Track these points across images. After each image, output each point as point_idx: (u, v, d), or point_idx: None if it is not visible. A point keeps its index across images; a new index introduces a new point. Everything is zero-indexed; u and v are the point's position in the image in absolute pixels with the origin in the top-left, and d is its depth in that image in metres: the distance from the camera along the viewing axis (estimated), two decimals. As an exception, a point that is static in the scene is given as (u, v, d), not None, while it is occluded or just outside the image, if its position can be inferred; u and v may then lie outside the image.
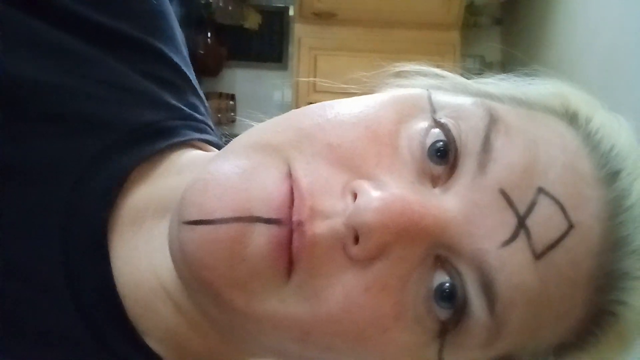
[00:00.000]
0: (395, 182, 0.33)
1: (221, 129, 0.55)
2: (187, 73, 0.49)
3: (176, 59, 0.48)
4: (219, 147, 0.48)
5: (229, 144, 0.37)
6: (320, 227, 0.31)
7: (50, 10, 0.41)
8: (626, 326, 0.35)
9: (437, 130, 0.34)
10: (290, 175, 0.33)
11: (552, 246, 0.32)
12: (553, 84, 0.40)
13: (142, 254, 0.39)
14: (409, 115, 0.36)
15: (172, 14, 0.50)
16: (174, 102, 0.46)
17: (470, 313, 0.32)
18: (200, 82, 0.52)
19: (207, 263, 0.32)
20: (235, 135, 0.38)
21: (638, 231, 0.34)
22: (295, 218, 0.32)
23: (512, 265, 0.32)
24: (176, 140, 0.44)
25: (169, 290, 0.39)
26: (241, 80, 3.20)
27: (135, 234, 0.40)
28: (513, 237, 0.32)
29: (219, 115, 2.91)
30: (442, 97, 0.37)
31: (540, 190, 0.33)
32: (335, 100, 0.37)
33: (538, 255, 0.32)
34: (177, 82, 0.48)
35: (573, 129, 0.36)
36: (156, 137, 0.43)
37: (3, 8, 0.39)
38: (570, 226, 0.33)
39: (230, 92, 3.12)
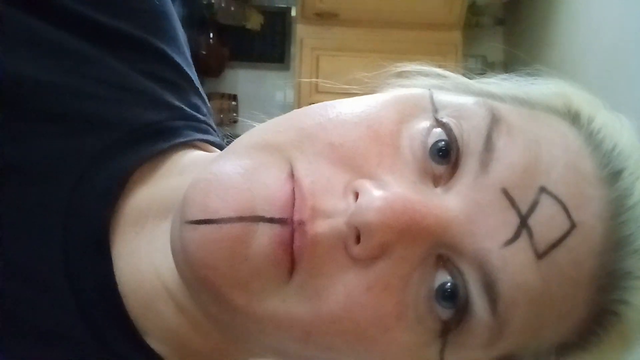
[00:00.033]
0: (397, 181, 0.33)
1: (223, 129, 0.55)
2: (189, 73, 0.49)
3: (178, 59, 0.48)
4: (220, 148, 0.48)
5: (230, 145, 0.37)
6: (321, 227, 0.31)
7: (51, 9, 0.41)
8: (628, 326, 0.35)
9: (438, 129, 0.34)
10: (292, 175, 0.33)
11: (555, 246, 0.32)
12: (555, 83, 0.40)
13: (143, 254, 0.39)
14: (411, 115, 0.36)
15: (175, 14, 0.50)
16: (175, 102, 0.46)
17: (472, 313, 0.32)
18: (202, 83, 0.52)
19: (208, 262, 0.32)
20: (237, 136, 0.38)
21: None
22: (296, 217, 0.32)
23: (514, 265, 0.32)
24: (178, 140, 0.44)
25: (170, 290, 0.39)
26: (243, 80, 3.21)
27: (137, 234, 0.40)
28: (515, 237, 0.32)
29: (221, 116, 2.91)
30: (444, 97, 0.37)
31: (543, 190, 0.33)
32: (337, 100, 0.37)
33: (540, 255, 0.32)
34: (178, 83, 0.48)
35: (575, 128, 0.36)
36: (158, 137, 0.43)
37: (3, 8, 0.39)
38: (573, 226, 0.32)
39: (233, 92, 3.12)
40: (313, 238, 0.31)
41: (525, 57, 2.34)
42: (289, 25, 3.19)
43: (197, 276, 0.32)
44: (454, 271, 0.33)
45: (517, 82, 0.41)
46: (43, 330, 0.37)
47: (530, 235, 0.32)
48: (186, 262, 0.33)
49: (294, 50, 2.96)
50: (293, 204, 0.32)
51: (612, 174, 0.35)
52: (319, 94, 2.57)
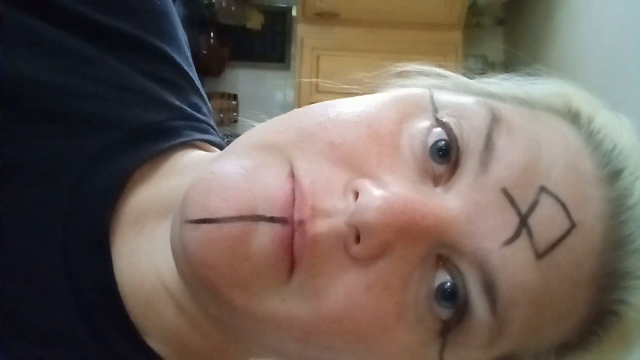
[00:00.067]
0: (397, 181, 0.33)
1: (223, 129, 0.55)
2: (189, 73, 0.49)
3: (178, 59, 0.48)
4: (221, 148, 0.48)
5: (231, 144, 0.37)
6: (321, 226, 0.31)
7: (51, 9, 0.41)
8: (628, 325, 0.35)
9: (439, 129, 0.34)
10: (292, 174, 0.33)
11: (554, 245, 0.32)
12: (555, 83, 0.40)
13: (143, 254, 0.39)
14: (411, 114, 0.36)
15: (175, 14, 0.50)
16: (176, 102, 0.46)
17: (471, 312, 0.32)
18: (202, 82, 0.52)
19: (208, 262, 0.32)
20: (237, 136, 0.38)
21: None
22: (296, 217, 0.32)
23: (514, 265, 0.32)
24: (178, 140, 0.44)
25: (170, 290, 0.39)
26: (243, 80, 3.20)
27: (138, 234, 0.40)
28: (515, 237, 0.32)
29: (221, 115, 2.91)
30: (444, 97, 0.37)
31: (543, 190, 0.33)
32: (338, 99, 0.37)
33: (540, 255, 0.32)
34: (179, 82, 0.48)
35: (575, 128, 0.36)
36: (158, 137, 0.43)
37: (3, 8, 0.39)
38: (572, 225, 0.32)
39: (233, 92, 3.12)
40: (313, 237, 0.31)
41: (526, 57, 2.34)
42: (289, 25, 3.19)
43: (197, 276, 0.32)
44: (454, 271, 0.33)
45: (517, 82, 0.41)
46: (43, 330, 0.37)
47: (530, 235, 0.32)
48: (186, 261, 0.33)
49: (294, 50, 2.96)
50: (293, 204, 0.32)
51: (612, 174, 0.35)
52: (319, 93, 2.56)
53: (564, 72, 0.41)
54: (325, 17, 2.76)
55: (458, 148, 0.34)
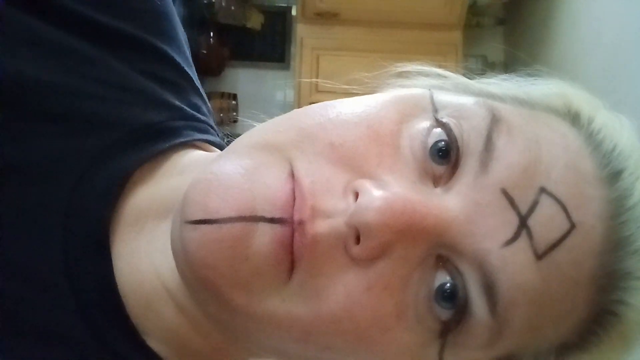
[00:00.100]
0: (397, 181, 0.33)
1: (223, 128, 0.55)
2: (189, 73, 0.49)
3: (178, 59, 0.48)
4: (221, 148, 0.48)
5: (231, 144, 0.37)
6: (321, 227, 0.31)
7: (51, 9, 0.41)
8: (628, 326, 0.35)
9: (439, 129, 0.34)
10: (292, 174, 0.33)
11: (554, 246, 0.32)
12: (555, 84, 0.40)
13: (143, 254, 0.39)
14: (411, 115, 0.36)
15: (175, 14, 0.50)
16: (176, 102, 0.46)
17: (471, 313, 0.32)
18: (202, 82, 0.52)
19: (209, 262, 0.32)
20: (237, 135, 0.38)
21: None
22: (296, 217, 0.32)
23: (514, 265, 0.32)
24: (178, 140, 0.44)
25: (170, 290, 0.39)
26: (243, 80, 3.20)
27: (138, 234, 0.40)
28: (515, 237, 0.32)
29: (221, 115, 2.91)
30: (444, 97, 0.37)
31: (542, 190, 0.33)
32: (337, 100, 0.37)
33: (540, 255, 0.32)
34: (179, 82, 0.48)
35: (575, 129, 0.36)
36: (158, 137, 0.43)
37: (3, 8, 0.39)
38: (572, 226, 0.32)
39: (233, 92, 3.11)
40: (313, 238, 0.31)
41: (526, 57, 2.34)
42: (289, 25, 3.19)
43: (197, 276, 0.32)
44: (454, 271, 0.33)
45: (517, 83, 0.41)
46: (43, 330, 0.37)
47: (530, 235, 0.32)
48: (186, 261, 0.33)
49: (294, 49, 2.96)
50: (293, 204, 0.32)
51: (612, 174, 0.35)
52: (319, 93, 2.56)
53: (564, 72, 0.41)
54: (325, 17, 2.76)
55: (458, 148, 0.34)
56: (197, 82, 0.50)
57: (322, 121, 0.35)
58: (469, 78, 0.41)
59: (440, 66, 0.43)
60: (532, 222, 0.32)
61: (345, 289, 0.32)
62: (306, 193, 0.32)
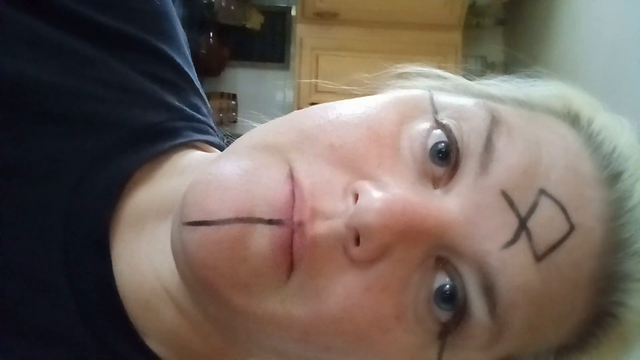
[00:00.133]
0: (397, 183, 0.33)
1: (223, 129, 0.55)
2: (189, 73, 0.49)
3: (178, 60, 0.48)
4: (220, 148, 0.48)
5: (230, 145, 0.37)
6: (321, 228, 0.31)
7: (51, 10, 0.41)
8: (627, 328, 0.35)
9: (438, 131, 0.34)
10: (292, 176, 0.33)
11: (554, 248, 0.32)
12: (555, 85, 0.40)
13: (143, 255, 0.39)
14: (411, 116, 0.36)
15: (175, 14, 0.50)
16: (175, 102, 0.46)
17: (471, 315, 0.32)
18: (202, 82, 0.52)
19: (208, 263, 0.32)
20: (237, 136, 0.38)
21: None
22: (296, 218, 0.32)
23: (513, 267, 0.32)
24: (178, 141, 0.44)
25: (170, 291, 0.39)
26: (243, 80, 3.20)
27: (138, 235, 0.40)
28: (514, 239, 0.32)
29: (221, 115, 2.91)
30: (444, 98, 0.37)
31: (542, 192, 0.33)
32: (337, 101, 0.37)
33: (539, 257, 0.32)
34: (179, 83, 0.48)
35: (575, 130, 0.36)
36: (158, 138, 0.43)
37: (3, 8, 0.40)
38: (572, 228, 0.32)
39: (232, 92, 3.12)
40: (312, 239, 0.31)
41: (526, 57, 2.34)
42: (289, 25, 3.19)
43: (197, 277, 0.33)
44: (453, 273, 0.33)
45: (517, 84, 0.41)
46: (43, 330, 0.37)
47: (530, 237, 0.32)
48: (186, 262, 0.33)
49: (294, 50, 2.96)
50: (292, 205, 0.32)
51: (612, 176, 0.35)
52: (319, 93, 2.56)
53: (564, 73, 0.41)
54: (325, 17, 2.76)
55: (458, 150, 0.34)
56: (197, 83, 0.50)
57: (322, 123, 0.35)
58: (468, 79, 0.41)
59: (440, 67, 0.43)
60: (531, 223, 0.32)
61: (344, 290, 0.32)
62: (306, 194, 0.32)
